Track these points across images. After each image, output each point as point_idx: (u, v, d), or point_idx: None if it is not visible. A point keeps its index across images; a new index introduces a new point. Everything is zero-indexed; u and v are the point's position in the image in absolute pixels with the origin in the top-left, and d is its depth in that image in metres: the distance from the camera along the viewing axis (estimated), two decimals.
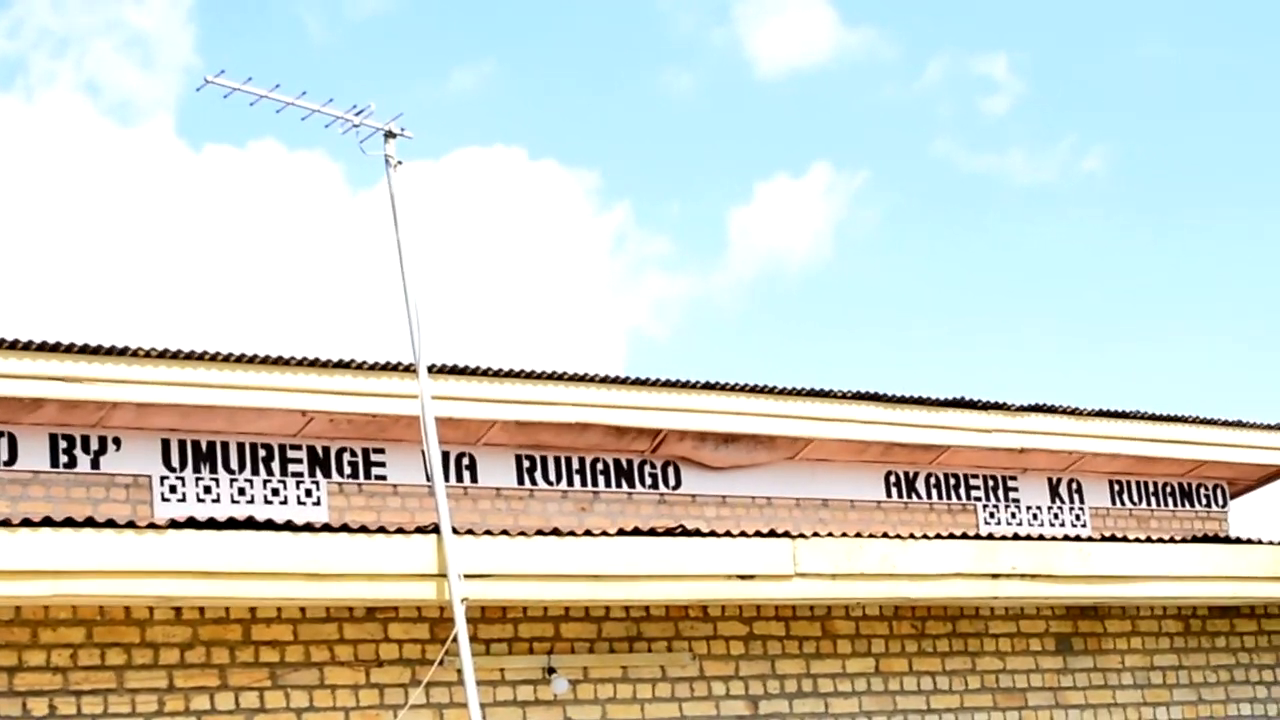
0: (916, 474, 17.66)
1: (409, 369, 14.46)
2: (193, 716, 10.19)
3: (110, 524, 9.72)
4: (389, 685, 10.70)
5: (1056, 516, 18.41)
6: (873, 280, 41.29)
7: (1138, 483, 19.05)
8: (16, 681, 9.81)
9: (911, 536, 11.90)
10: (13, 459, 13.76)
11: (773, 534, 11.51)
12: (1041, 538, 12.38)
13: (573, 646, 11.31)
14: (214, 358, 14.07)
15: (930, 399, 17.25)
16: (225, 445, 14.46)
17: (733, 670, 11.83)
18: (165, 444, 14.26)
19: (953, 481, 17.88)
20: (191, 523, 9.95)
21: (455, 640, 10.51)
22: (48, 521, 9.57)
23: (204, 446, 14.37)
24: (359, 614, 10.71)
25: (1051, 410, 17.88)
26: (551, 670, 11.16)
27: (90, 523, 9.67)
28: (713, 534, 11.43)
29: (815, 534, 11.63)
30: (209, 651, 10.31)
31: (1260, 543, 13.01)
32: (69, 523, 9.61)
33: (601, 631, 11.44)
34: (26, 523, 9.50)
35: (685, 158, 41.28)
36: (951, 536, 12.02)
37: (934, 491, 17.74)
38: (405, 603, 10.64)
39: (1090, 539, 12.59)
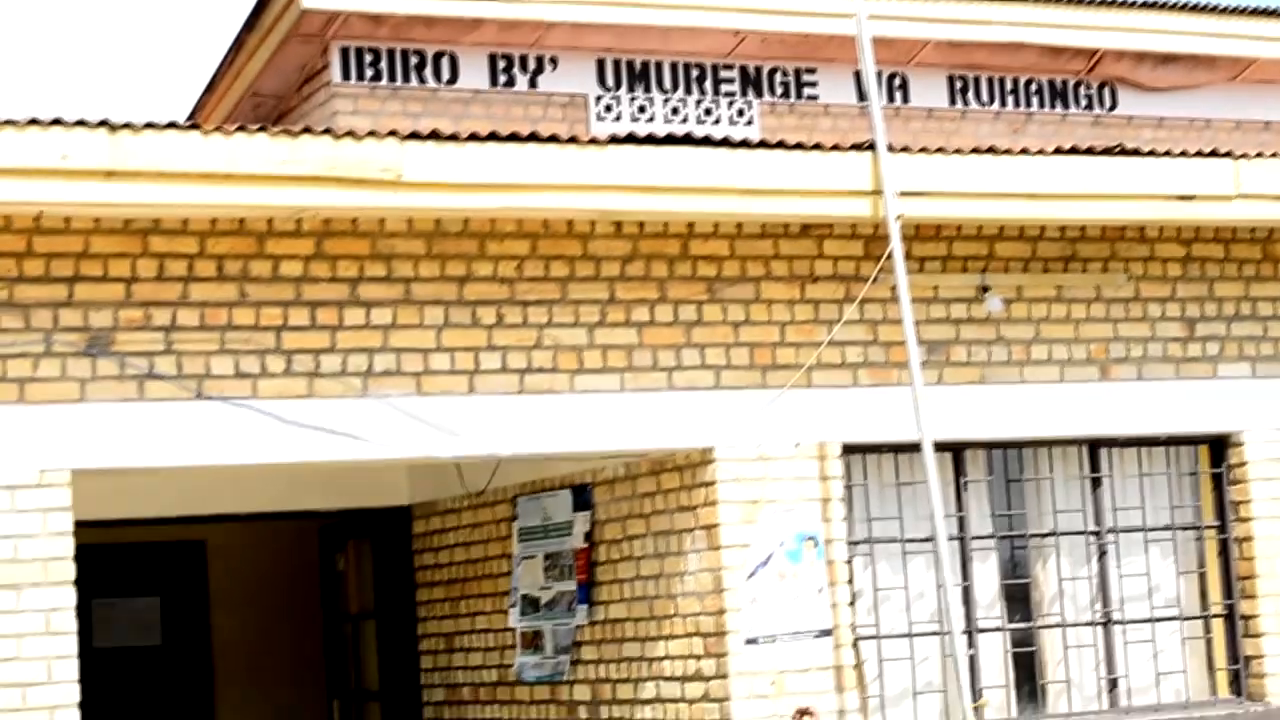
0: None
1: None
2: (633, 328, 10.46)
3: (553, 139, 9.93)
4: (823, 301, 10.82)
5: None
6: None
7: None
8: (466, 291, 10.16)
9: None
10: (454, 78, 14.08)
11: (1214, 154, 11.24)
12: None
13: (1007, 265, 11.27)
14: None
15: None
16: (659, 65, 14.56)
17: (1169, 292, 11.68)
18: (600, 63, 14.43)
19: None
20: (631, 138, 10.10)
21: (889, 257, 10.56)
22: (493, 136, 9.82)
23: (638, 66, 14.51)
24: (794, 230, 10.80)
25: None
26: (985, 288, 11.14)
27: (533, 137, 9.89)
28: (1152, 153, 11.23)
29: (1259, 154, 11.33)
30: (648, 265, 10.53)
31: None
32: (513, 137, 9.85)
33: (1036, 251, 11.36)
34: (474, 137, 9.76)
35: None
36: None
37: None
38: (840, 219, 10.71)
39: None
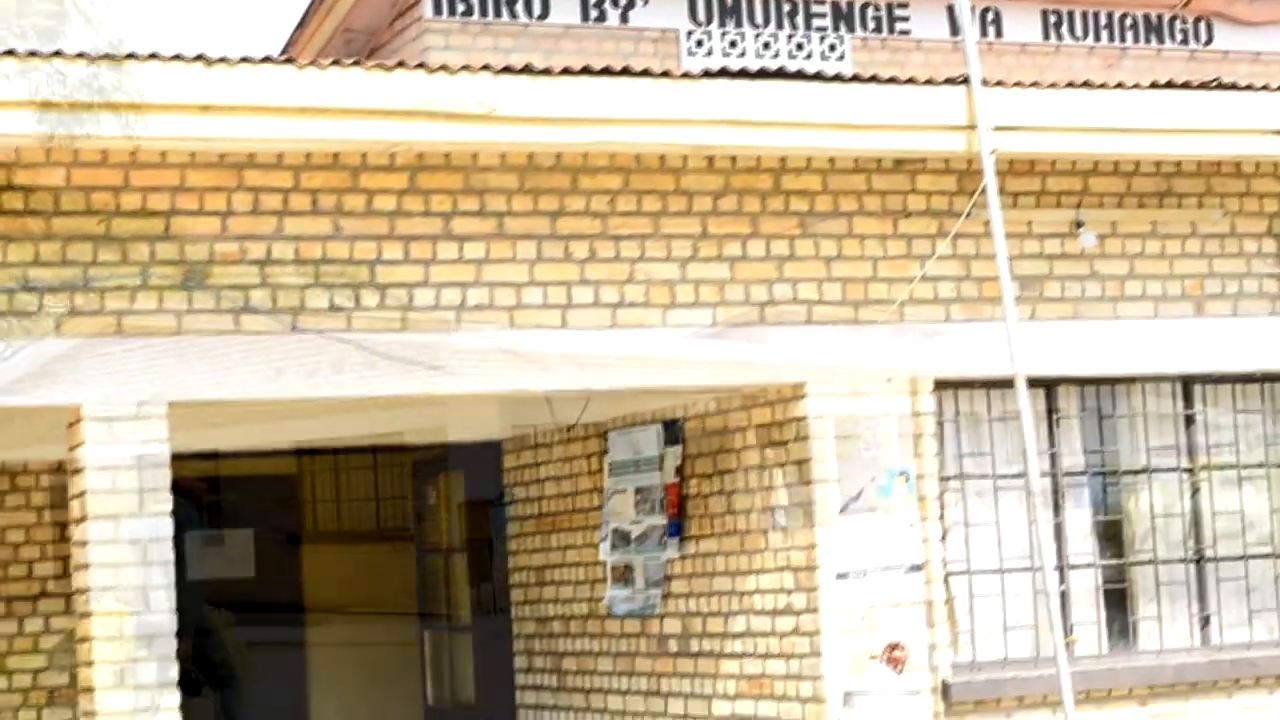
0: None
1: None
2: (725, 263, 10.46)
3: (645, 73, 9.93)
4: (916, 236, 10.79)
5: None
6: None
7: None
8: (559, 225, 10.18)
9: None
10: (545, 13, 14.04)
11: None
12: None
13: (1101, 201, 11.20)
14: None
15: None
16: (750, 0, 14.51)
17: (1265, 228, 11.58)
18: None
19: None
20: (724, 72, 10.09)
21: (983, 192, 10.51)
22: (586, 71, 9.82)
23: (729, 1, 14.45)
24: (887, 165, 10.77)
25: None
26: (1079, 224, 11.08)
27: (626, 72, 9.89)
28: (1249, 88, 11.13)
29: None
30: (741, 200, 10.51)
31: None
32: (606, 72, 9.85)
33: (1130, 186, 11.28)
34: (566, 72, 9.77)
35: None
36: None
37: None
38: (933, 154, 10.66)
39: None
